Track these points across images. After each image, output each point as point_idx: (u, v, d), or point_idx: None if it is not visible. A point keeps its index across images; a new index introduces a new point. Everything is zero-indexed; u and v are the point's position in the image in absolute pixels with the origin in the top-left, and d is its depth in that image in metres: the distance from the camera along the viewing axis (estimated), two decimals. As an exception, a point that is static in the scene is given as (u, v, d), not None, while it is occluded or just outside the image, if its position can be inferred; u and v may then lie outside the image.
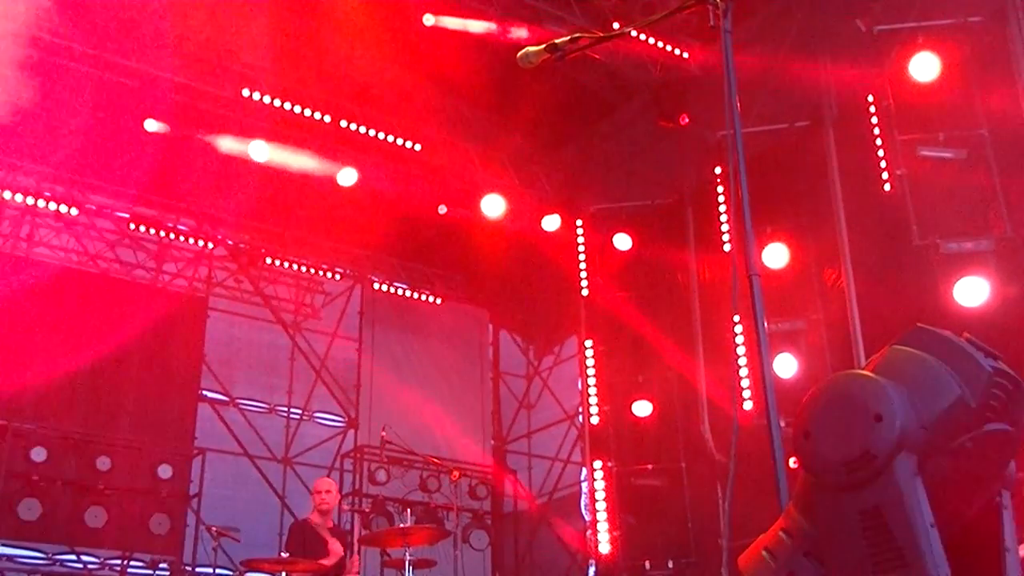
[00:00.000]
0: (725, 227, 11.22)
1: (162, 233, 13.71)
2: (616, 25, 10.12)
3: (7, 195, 12.26)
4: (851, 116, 10.06)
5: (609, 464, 12.40)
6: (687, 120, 10.97)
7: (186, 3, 10.08)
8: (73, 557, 11.83)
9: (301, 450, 14.58)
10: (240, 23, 10.32)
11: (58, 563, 11.73)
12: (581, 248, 12.90)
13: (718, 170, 11.27)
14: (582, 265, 12.99)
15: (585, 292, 12.91)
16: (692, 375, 11.58)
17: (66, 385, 12.29)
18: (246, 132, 11.77)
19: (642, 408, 12.12)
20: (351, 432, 14.62)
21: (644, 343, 12.31)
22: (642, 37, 10.91)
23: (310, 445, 14.70)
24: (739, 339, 10.65)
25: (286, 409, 14.83)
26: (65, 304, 12.38)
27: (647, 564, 11.64)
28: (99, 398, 12.46)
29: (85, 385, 12.40)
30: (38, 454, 11.40)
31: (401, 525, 7.89)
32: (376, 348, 15.01)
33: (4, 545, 11.30)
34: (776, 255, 10.64)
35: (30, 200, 12.39)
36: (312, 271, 15.06)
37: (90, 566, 11.85)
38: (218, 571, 10.20)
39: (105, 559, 11.93)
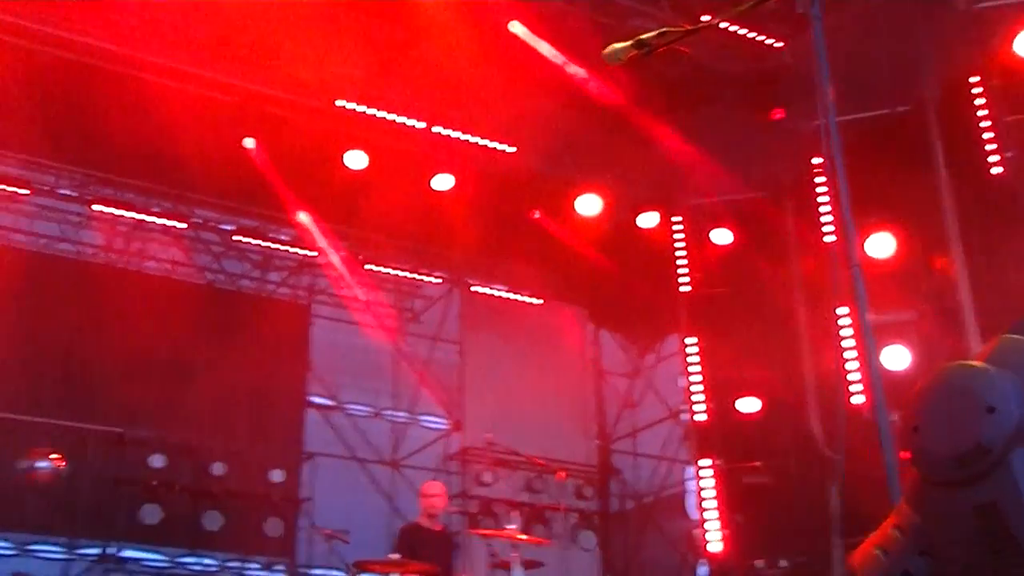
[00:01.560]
0: (826, 218, 10.98)
1: (265, 243, 13.98)
2: (705, 17, 9.96)
3: (117, 212, 12.71)
4: (954, 98, 9.73)
5: (716, 462, 12.22)
6: (782, 114, 10.76)
7: (274, 17, 10.23)
8: (193, 559, 12.21)
9: (408, 453, 14.72)
10: (329, 34, 10.44)
11: (179, 565, 12.11)
12: (679, 244, 12.74)
13: (816, 160, 11.04)
14: (681, 261, 12.83)
15: (685, 288, 12.75)
16: (799, 370, 11.35)
17: (179, 393, 12.57)
18: (341, 141, 11.91)
19: (748, 404, 11.91)
20: (456, 434, 14.71)
21: (748, 338, 12.07)
22: (732, 28, 10.72)
23: (416, 448, 14.84)
24: (846, 331, 10.41)
25: (391, 413, 15.00)
26: (174, 315, 12.65)
27: (759, 563, 11.45)
28: (210, 406, 12.70)
29: (197, 393, 12.65)
30: (157, 460, 11.79)
31: (508, 526, 7.88)
32: (477, 350, 15.07)
33: (130, 548, 11.70)
34: (882, 244, 10.37)
35: (139, 216, 12.81)
36: (411, 276, 15.16)
37: (210, 568, 12.21)
38: (330, 572, 10.42)
39: (223, 561, 12.28)
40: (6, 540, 11.36)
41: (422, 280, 15.37)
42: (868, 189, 9.06)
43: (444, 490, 9.08)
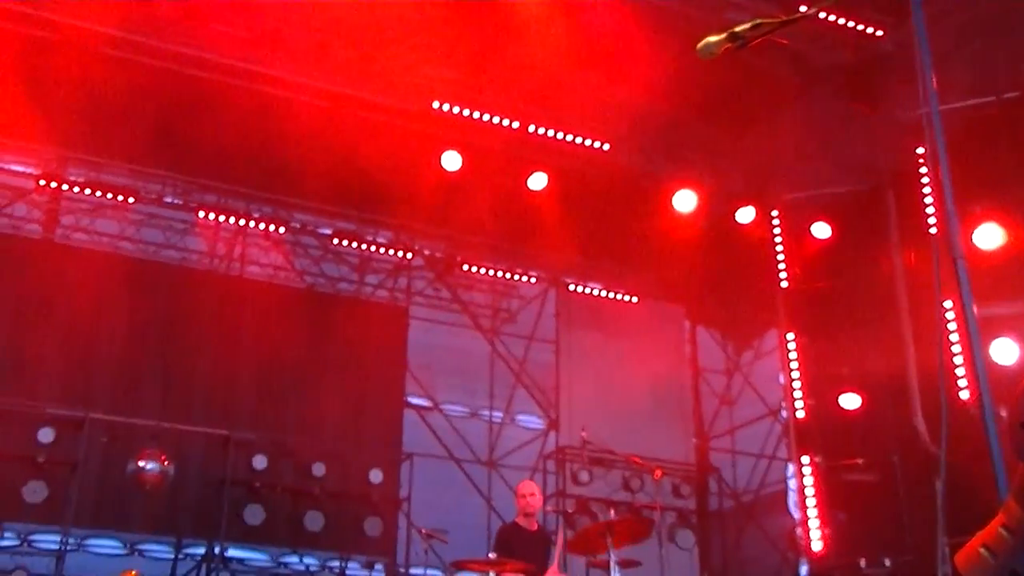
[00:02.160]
0: (929, 209, 10.70)
1: (363, 247, 14.15)
2: (802, 8, 9.78)
3: (220, 218, 13.03)
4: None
5: (817, 459, 12.02)
6: (882, 105, 10.52)
7: (370, 23, 10.35)
8: (296, 559, 12.42)
9: (504, 452, 14.76)
10: (424, 37, 10.53)
11: (282, 564, 12.32)
12: (778, 239, 12.56)
13: (920, 151, 10.76)
14: (779, 256, 12.64)
15: (784, 284, 12.56)
16: (901, 365, 11.07)
17: (279, 395, 12.89)
18: (437, 143, 12.00)
19: (849, 400, 11.69)
20: (552, 433, 14.71)
21: (848, 333, 11.87)
22: (829, 17, 10.51)
23: (513, 447, 14.87)
24: (951, 325, 10.13)
25: (488, 412, 15.05)
26: (275, 319, 12.95)
27: (862, 562, 11.22)
28: (310, 407, 12.96)
29: (297, 395, 12.95)
30: (259, 462, 11.99)
31: (605, 521, 7.83)
32: (573, 349, 15.04)
33: (234, 547, 11.92)
34: (989, 235, 10.08)
35: (240, 221, 13.12)
36: (507, 276, 15.20)
37: (311, 567, 12.39)
38: (429, 571, 10.44)
39: (324, 560, 12.43)
40: (117, 539, 11.69)
41: (518, 280, 15.37)
42: (974, 179, 8.83)
43: (539, 489, 9.02)
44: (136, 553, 11.60)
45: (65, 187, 12.23)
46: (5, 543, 10.93)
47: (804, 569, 13.00)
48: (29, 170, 12.49)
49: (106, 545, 11.64)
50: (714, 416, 15.84)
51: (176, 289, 12.89)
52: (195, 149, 11.85)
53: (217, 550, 11.51)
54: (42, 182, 12.18)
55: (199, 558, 11.60)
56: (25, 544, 10.97)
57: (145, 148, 12.04)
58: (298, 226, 13.90)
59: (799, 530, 12.22)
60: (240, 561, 11.94)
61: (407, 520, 12.57)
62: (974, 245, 10.00)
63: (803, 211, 12.41)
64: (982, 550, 2.39)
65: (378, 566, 12.65)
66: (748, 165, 13.30)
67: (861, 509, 11.45)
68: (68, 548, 10.71)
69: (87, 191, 12.39)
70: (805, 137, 12.16)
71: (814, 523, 11.76)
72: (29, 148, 12.10)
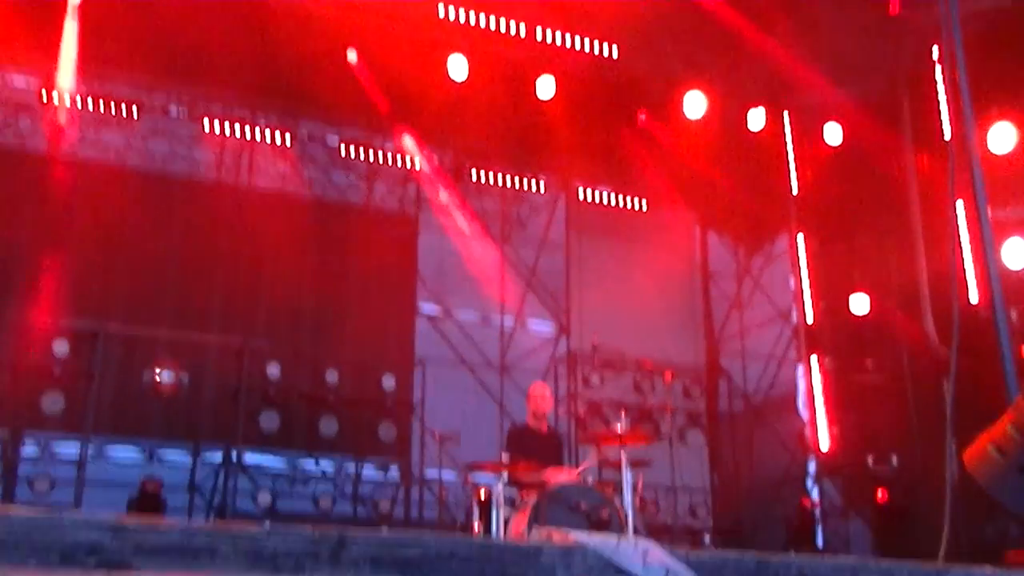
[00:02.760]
0: (944, 111, 10.54)
1: (371, 155, 14.01)
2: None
3: (226, 129, 12.93)
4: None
5: (826, 361, 12.10)
6: (897, 7, 10.28)
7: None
8: (311, 463, 12.57)
9: (516, 358, 14.82)
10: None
11: (299, 469, 12.47)
12: (789, 142, 12.44)
13: (935, 52, 10.55)
14: (791, 161, 12.54)
15: (795, 188, 12.47)
16: (912, 268, 11.06)
17: (292, 304, 12.92)
18: (444, 49, 11.81)
19: (859, 303, 11.71)
20: (563, 339, 14.72)
21: (859, 237, 11.87)
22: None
23: (524, 353, 14.90)
24: (962, 227, 10.06)
25: (499, 319, 15.08)
26: (285, 229, 12.87)
27: (870, 460, 11.36)
28: (323, 315, 13.00)
29: (309, 304, 12.97)
30: (273, 369, 12.06)
31: (617, 428, 7.90)
32: (584, 256, 15.00)
33: (251, 453, 12.08)
34: (1004, 137, 9.94)
35: (247, 132, 13.04)
36: (516, 183, 15.08)
37: (327, 471, 12.54)
38: (443, 472, 10.64)
39: (340, 464, 12.57)
40: (136, 446, 11.87)
41: (528, 187, 15.25)
42: (990, 80, 8.67)
43: (550, 391, 9.12)
44: (154, 460, 11.76)
45: (68, 100, 12.08)
46: (27, 452, 11.05)
47: (812, 467, 13.20)
48: (32, 83, 12.31)
49: (125, 454, 11.79)
50: (724, 320, 15.85)
51: (185, 201, 12.84)
52: (199, 59, 11.68)
53: (234, 456, 11.65)
54: (44, 96, 12.02)
55: (217, 464, 11.76)
56: (46, 453, 11.10)
57: (147, 59, 11.89)
58: (305, 135, 13.77)
59: (808, 430, 12.38)
60: (257, 465, 12.10)
61: (420, 424, 12.71)
62: (988, 148, 9.87)
63: (815, 114, 12.27)
64: (990, 448, 2.39)
65: (393, 468, 12.83)
66: (760, 69, 13.10)
67: (869, 410, 11.58)
68: (89, 455, 10.87)
69: (91, 105, 12.26)
70: (818, 40, 11.95)
71: (823, 423, 11.91)
72: (31, 61, 11.92)
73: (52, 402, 10.70)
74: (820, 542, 12.30)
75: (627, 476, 7.55)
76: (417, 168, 14.41)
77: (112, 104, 12.40)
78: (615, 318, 13.97)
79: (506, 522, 7.45)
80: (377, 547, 1.59)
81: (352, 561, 1.55)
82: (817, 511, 12.24)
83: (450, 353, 14.29)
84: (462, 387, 14.18)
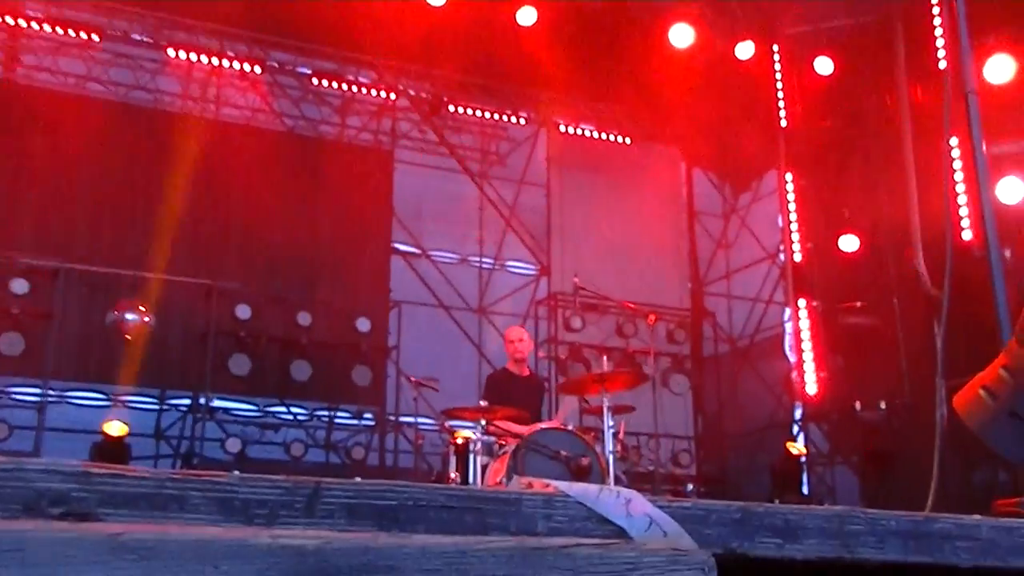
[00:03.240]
0: (939, 42, 10.49)
1: (344, 87, 13.91)
2: None
3: (192, 57, 12.75)
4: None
5: (814, 303, 12.16)
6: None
7: None
8: (283, 409, 12.57)
9: (495, 299, 14.89)
10: None
11: (270, 415, 12.48)
12: (778, 75, 12.38)
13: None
14: (780, 94, 12.49)
15: (784, 123, 12.44)
16: (903, 206, 11.03)
17: (263, 243, 12.84)
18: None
19: (849, 243, 11.75)
20: (544, 280, 14.74)
21: (850, 174, 11.87)
22: None
23: (503, 294, 15.01)
24: (957, 164, 10.07)
25: (478, 259, 15.12)
26: (255, 163, 12.76)
27: (857, 405, 11.46)
28: (294, 255, 12.93)
29: (280, 243, 12.89)
30: (243, 311, 12.01)
31: (598, 371, 7.93)
32: (565, 193, 14.92)
33: (220, 399, 12.05)
34: (1000, 68, 9.92)
35: (215, 61, 12.87)
36: (496, 117, 14.99)
37: (299, 417, 12.56)
38: (419, 420, 10.65)
39: (313, 410, 12.60)
40: (99, 391, 11.83)
41: (507, 121, 15.18)
42: (987, 9, 8.62)
43: (528, 335, 9.09)
44: (120, 404, 11.72)
45: (23, 23, 11.88)
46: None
47: (799, 412, 13.31)
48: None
49: (88, 397, 11.76)
50: (710, 260, 15.92)
51: (150, 132, 12.65)
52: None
53: (202, 401, 11.64)
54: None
55: (184, 410, 11.76)
56: (3, 398, 11.02)
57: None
58: (276, 65, 13.61)
59: (795, 374, 12.45)
60: (226, 411, 12.10)
61: (396, 369, 12.69)
62: (984, 79, 9.85)
63: (805, 45, 12.19)
64: (981, 392, 2.41)
65: (368, 415, 12.84)
66: (749, -4, 12.98)
67: (858, 353, 11.66)
68: (49, 400, 10.83)
69: (48, 29, 12.05)
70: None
71: (810, 367, 11.98)
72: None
73: (10, 344, 10.61)
74: (806, 490, 12.41)
75: (608, 422, 7.58)
76: (392, 100, 14.27)
77: (71, 29, 12.18)
78: (597, 259, 13.94)
79: (483, 470, 7.47)
80: (353, 495, 1.58)
81: (327, 510, 1.55)
82: (803, 458, 12.31)
83: (427, 295, 14.29)
84: (439, 330, 14.22)
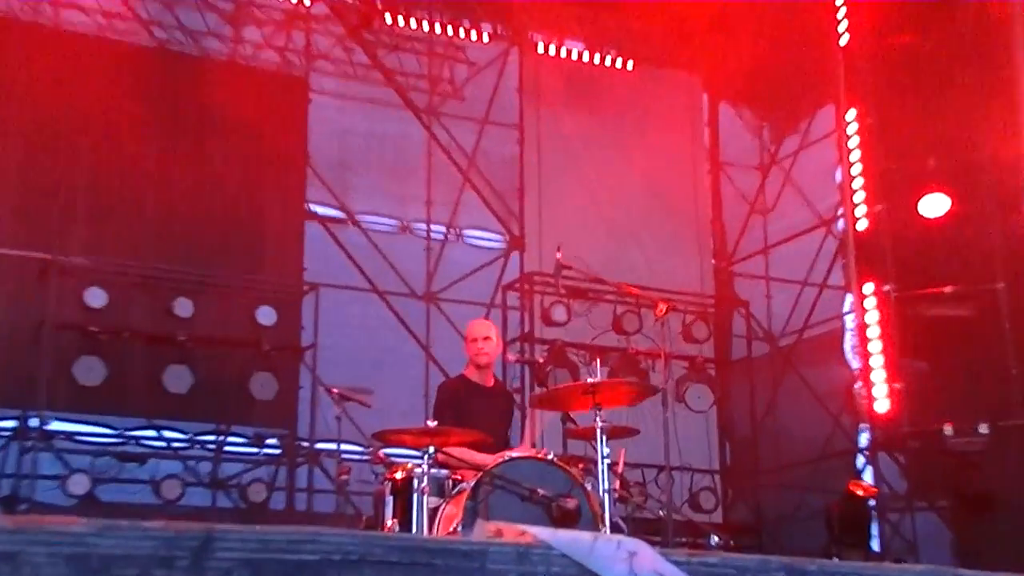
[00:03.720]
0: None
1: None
2: None
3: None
4: None
5: (886, 287, 12.01)
6: None
7: None
8: (152, 433, 12.40)
9: (448, 282, 14.77)
10: None
11: (132, 440, 12.31)
12: (837, -25, 12.34)
13: None
14: (839, 2, 12.35)
15: (845, 39, 12.30)
16: (1012, 152, 10.95)
17: (124, 202, 12.69)
18: None
19: (935, 204, 11.60)
20: (515, 255, 14.72)
21: (935, 109, 11.70)
22: None
23: (460, 275, 14.87)
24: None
25: (425, 227, 15.05)
26: (111, 90, 12.51)
27: (947, 429, 11.32)
28: (168, 219, 12.79)
29: (148, 202, 12.74)
30: (95, 297, 11.77)
31: (589, 380, 7.68)
32: (544, 137, 14.87)
33: (60, 420, 11.85)
34: None
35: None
36: (449, 32, 14.82)
37: (174, 444, 12.42)
38: (344, 447, 10.50)
39: (194, 434, 12.48)
40: None
41: (465, 38, 15.00)
42: None
43: (496, 331, 8.90)
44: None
45: None
46: None
47: (865, 438, 13.23)
48: None
49: None
50: (742, 229, 15.89)
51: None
52: None
53: (34, 422, 11.48)
54: None
55: (8, 434, 11.59)
56: None
57: None
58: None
59: (859, 385, 12.33)
60: (70, 436, 11.94)
61: (312, 376, 12.61)
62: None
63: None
64: None
65: (271, 440, 12.79)
66: None
67: (949, 356, 11.52)
68: None
69: None
70: None
71: (880, 375, 11.84)
72: None
73: None
74: (876, 544, 12.37)
75: (603, 450, 7.34)
76: (306, 6, 14.12)
77: None
78: (588, 226, 13.98)
79: (433, 514, 7.29)
80: (257, 548, 1.59)
81: (222, 569, 1.57)
82: (872, 501, 12.19)
83: (355, 275, 14.16)
84: (373, 324, 14.18)
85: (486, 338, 8.61)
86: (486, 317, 13.02)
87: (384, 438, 7.67)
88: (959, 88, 11.56)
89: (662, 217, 15.02)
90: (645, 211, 14.81)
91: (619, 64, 15.25)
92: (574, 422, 8.33)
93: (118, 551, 1.53)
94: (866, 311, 12.11)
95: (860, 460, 13.47)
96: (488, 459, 7.59)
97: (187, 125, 13.15)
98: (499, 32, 15.07)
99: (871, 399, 12.04)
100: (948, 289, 11.57)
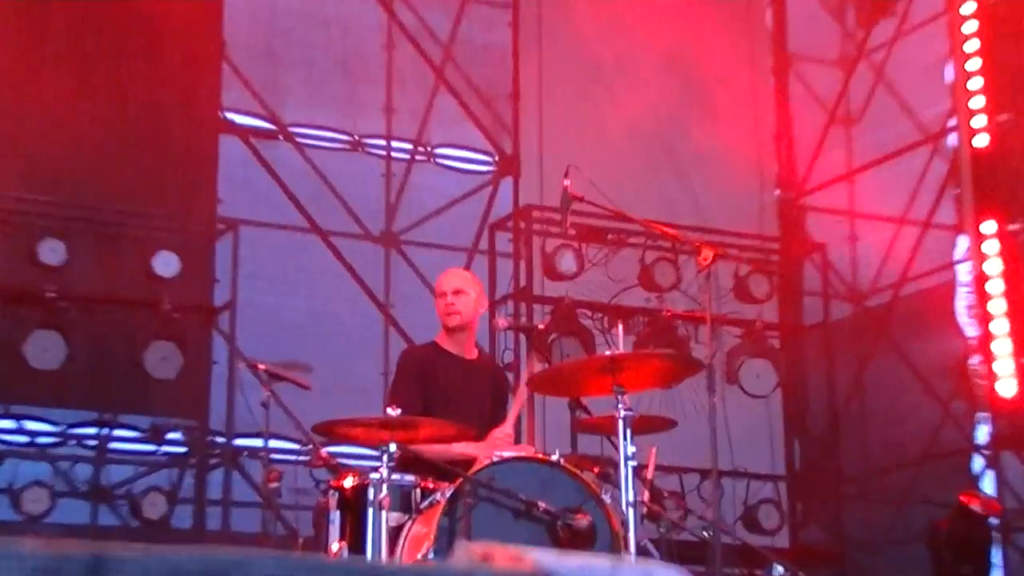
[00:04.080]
0: None
1: None
2: None
3: None
4: None
5: (1012, 227, 12.11)
6: None
7: None
8: (8, 424, 12.48)
9: (413, 221, 14.84)
10: None
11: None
12: None
13: None
14: None
15: None
16: None
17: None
18: None
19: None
20: (506, 183, 14.77)
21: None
22: None
23: (432, 209, 14.96)
24: None
25: (383, 144, 15.10)
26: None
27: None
28: (39, 136, 12.76)
29: (11, 116, 12.71)
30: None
31: (608, 352, 7.72)
32: (547, 20, 14.85)
33: None
34: None
35: None
36: None
37: (40, 439, 12.49)
38: (273, 443, 10.62)
39: (68, 426, 12.55)
40: None
41: None
42: None
43: (478, 284, 8.94)
44: None
45: None
46: None
47: (984, 431, 13.24)
48: None
49: None
50: (817, 147, 15.72)
51: None
52: None
53: None
54: None
55: None
56: None
57: None
58: None
59: (976, 359, 12.36)
60: None
61: (229, 348, 12.75)
62: None
63: None
64: None
65: (172, 435, 12.81)
66: None
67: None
68: None
69: None
70: None
71: (1004, 346, 11.91)
72: None
73: None
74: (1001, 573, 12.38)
75: (627, 449, 7.35)
76: None
77: None
78: (606, 144, 13.92)
79: (396, 535, 7.33)
80: (161, 571, 1.60)
81: None
82: (994, 517, 12.15)
83: (288, 209, 14.14)
84: (312, 276, 14.29)
85: (457, 291, 8.59)
86: (466, 268, 12.94)
87: (328, 431, 7.75)
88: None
89: (707, 130, 14.84)
90: (683, 122, 14.83)
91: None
92: (587, 410, 8.36)
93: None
94: (986, 258, 12.18)
95: (977, 462, 13.46)
96: (470, 452, 7.67)
97: (61, 16, 13.13)
98: None
99: (992, 378, 12.11)
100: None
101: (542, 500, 7.18)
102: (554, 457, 7.57)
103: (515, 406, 8.61)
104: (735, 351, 14.00)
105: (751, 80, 15.65)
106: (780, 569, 12.77)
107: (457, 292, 8.53)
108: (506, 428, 8.15)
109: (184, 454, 12.80)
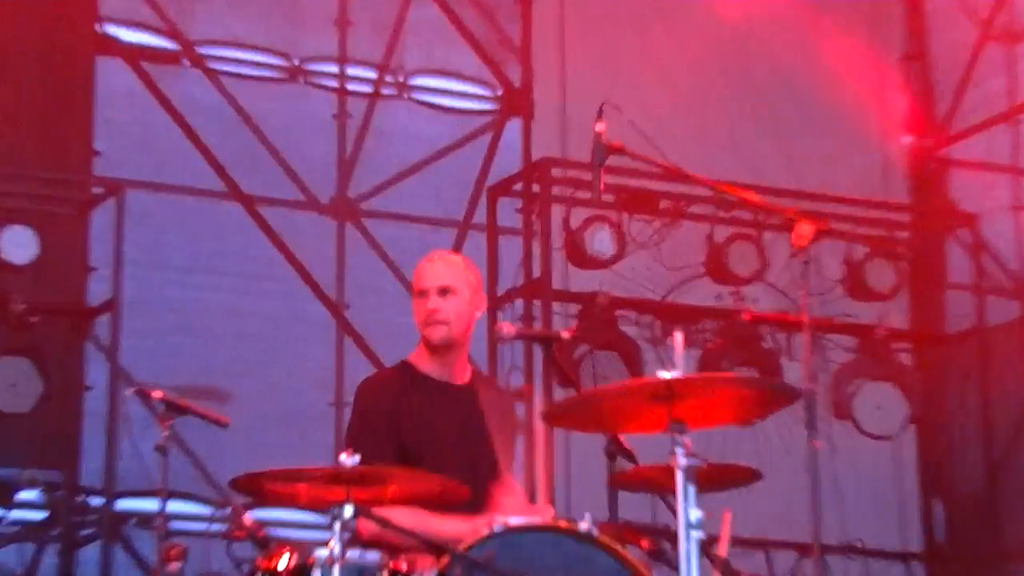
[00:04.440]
0: None
1: None
2: None
3: None
4: None
5: None
6: None
7: None
8: None
9: (378, 183, 14.84)
10: None
11: None
12: None
13: None
14: None
15: None
16: None
17: None
18: None
19: None
20: (513, 126, 14.85)
21: None
22: None
23: (402, 166, 14.88)
24: None
25: (334, 70, 15.06)
26: None
27: None
28: None
29: None
30: None
31: (663, 373, 7.63)
32: None
33: None
34: None
35: None
36: None
37: None
38: (173, 506, 10.47)
39: None
40: None
41: None
42: None
43: (470, 274, 8.75)
44: None
45: None
46: None
47: None
48: None
49: None
50: (964, 76, 15.71)
51: None
52: None
53: None
54: None
55: None
56: None
57: None
58: None
59: None
60: None
61: (109, 367, 12.71)
62: None
63: None
64: None
65: (29, 495, 12.85)
66: None
67: None
68: None
69: None
70: None
71: None
72: None
73: None
74: None
75: (691, 513, 7.26)
76: None
77: None
78: (655, 74, 14.28)
79: None
80: None
81: None
82: None
83: (198, 163, 14.18)
84: (233, 261, 14.32)
85: (444, 289, 8.38)
86: (455, 250, 12.97)
87: (254, 488, 7.62)
88: None
89: (804, 53, 15.03)
90: (769, 44, 15.00)
91: None
92: (631, 456, 8.26)
93: None
94: None
95: None
96: (462, 528, 7.61)
97: None
98: None
99: None
100: None
101: (567, 585, 7.15)
102: (584, 526, 7.46)
103: (527, 450, 8.54)
104: (846, 371, 13.96)
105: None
106: None
107: (444, 291, 8.33)
108: (514, 483, 8.09)
109: (43, 521, 12.80)
